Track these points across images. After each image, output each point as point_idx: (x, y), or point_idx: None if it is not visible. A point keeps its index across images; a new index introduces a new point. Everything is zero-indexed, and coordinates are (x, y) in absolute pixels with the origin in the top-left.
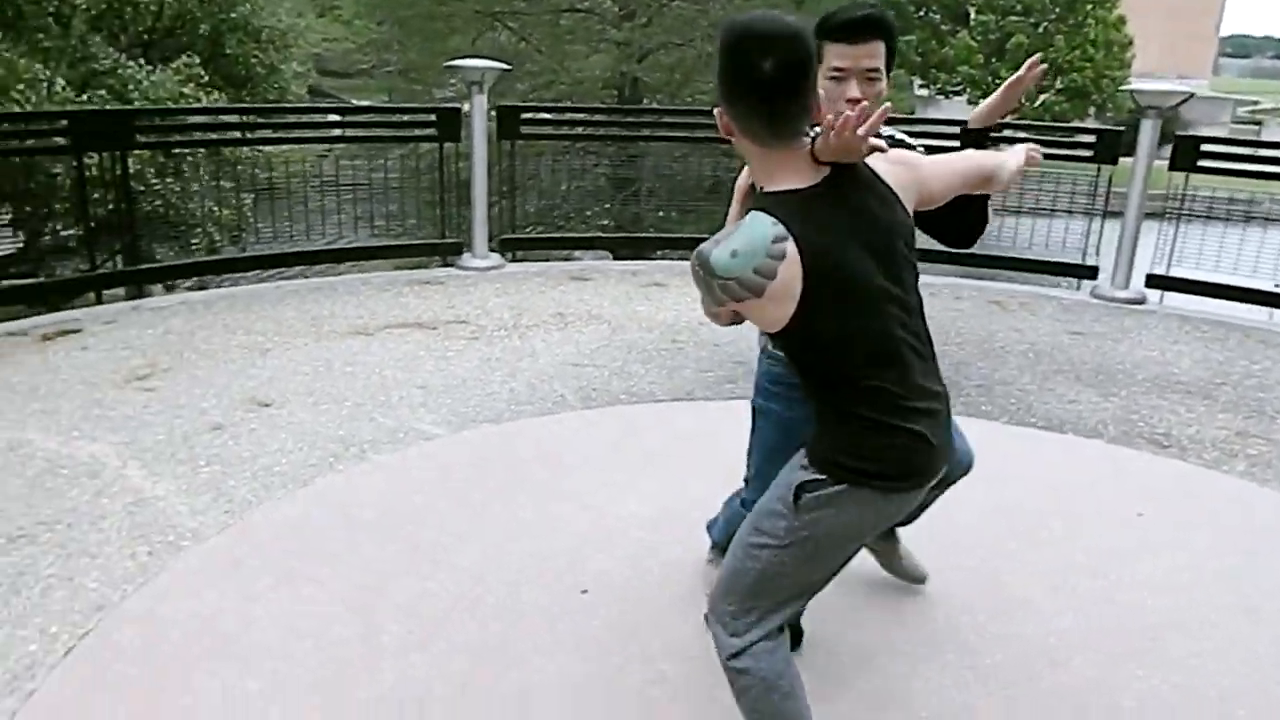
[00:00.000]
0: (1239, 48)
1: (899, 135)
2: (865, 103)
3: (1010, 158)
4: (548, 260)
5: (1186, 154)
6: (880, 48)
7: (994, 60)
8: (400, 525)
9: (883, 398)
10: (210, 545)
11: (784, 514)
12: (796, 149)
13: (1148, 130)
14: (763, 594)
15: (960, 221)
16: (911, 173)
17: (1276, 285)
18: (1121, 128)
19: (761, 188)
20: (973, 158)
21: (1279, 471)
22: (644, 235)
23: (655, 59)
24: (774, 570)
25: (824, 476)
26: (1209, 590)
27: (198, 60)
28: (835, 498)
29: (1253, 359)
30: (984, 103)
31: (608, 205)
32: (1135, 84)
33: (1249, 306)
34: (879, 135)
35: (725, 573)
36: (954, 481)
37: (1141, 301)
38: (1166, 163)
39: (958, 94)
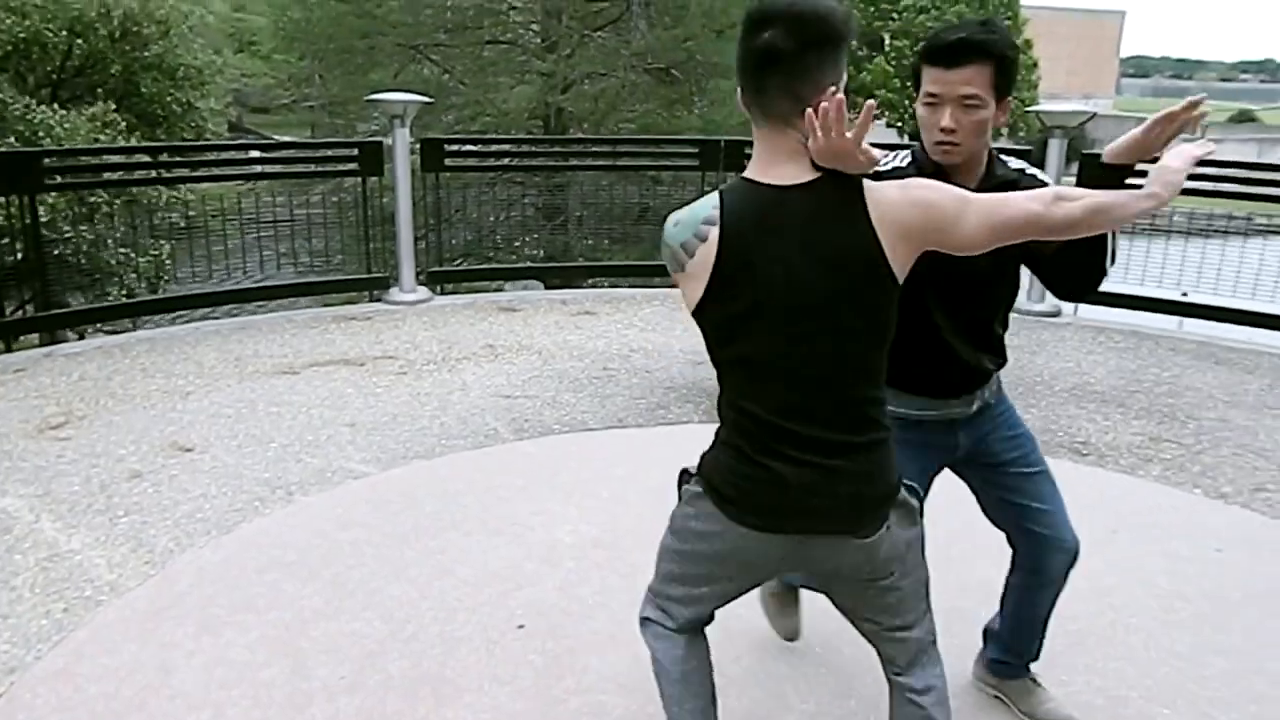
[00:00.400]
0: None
1: (1032, 171)
2: (871, 102)
3: (1130, 198)
4: (477, 292)
5: (1092, 171)
6: (980, 73)
7: (909, 85)
8: (328, 565)
9: (748, 425)
10: (129, 598)
11: (679, 497)
12: (792, 139)
13: (1055, 149)
14: (662, 577)
15: (1068, 271)
16: (925, 216)
17: (1183, 294)
18: (1030, 147)
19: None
20: (1021, 206)
21: (1192, 474)
22: (574, 264)
23: (579, 89)
24: (665, 554)
25: (698, 475)
26: (1129, 594)
27: (113, 105)
28: (698, 500)
29: (1163, 366)
30: (1125, 135)
31: (536, 235)
32: (1042, 105)
33: (1158, 315)
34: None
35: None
36: (1055, 575)
37: (1057, 314)
38: (1074, 179)
39: (877, 118)
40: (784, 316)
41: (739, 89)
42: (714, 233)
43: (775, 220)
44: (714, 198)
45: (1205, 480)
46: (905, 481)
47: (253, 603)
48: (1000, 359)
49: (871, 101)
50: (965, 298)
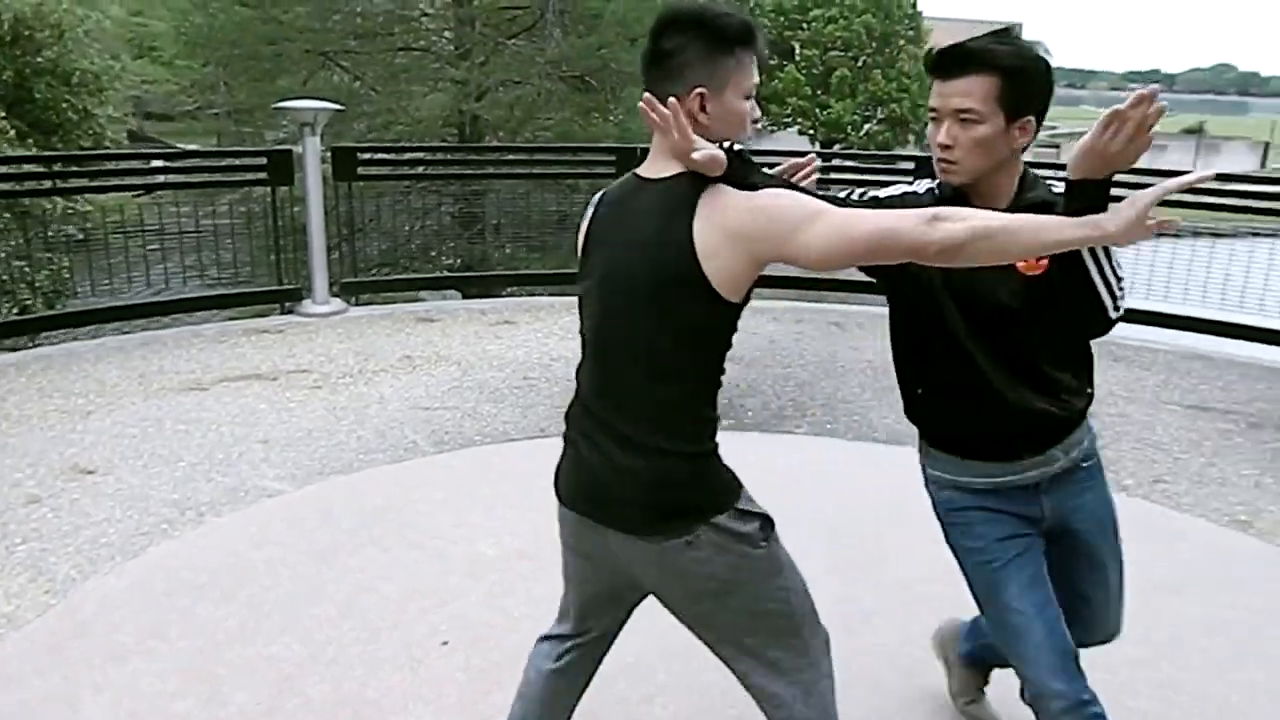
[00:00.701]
0: None
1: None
2: (676, 105)
3: (1057, 224)
4: (393, 303)
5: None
6: (979, 85)
7: (820, 92)
8: (242, 587)
9: (574, 402)
10: (28, 630)
11: None
12: (663, 138)
13: None
14: None
15: (1061, 310)
16: (757, 222)
17: None
18: (929, 154)
19: None
20: (880, 222)
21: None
22: (492, 273)
23: (494, 97)
24: None
25: None
26: None
27: (1, 113)
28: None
29: None
30: (1079, 142)
31: (453, 244)
32: None
33: None
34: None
35: None
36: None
37: None
38: None
39: (789, 125)
40: (601, 299)
41: None
42: (589, 214)
43: (627, 208)
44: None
45: (1108, 474)
46: (743, 507)
47: (163, 629)
48: (1066, 404)
49: (677, 105)
50: (999, 337)
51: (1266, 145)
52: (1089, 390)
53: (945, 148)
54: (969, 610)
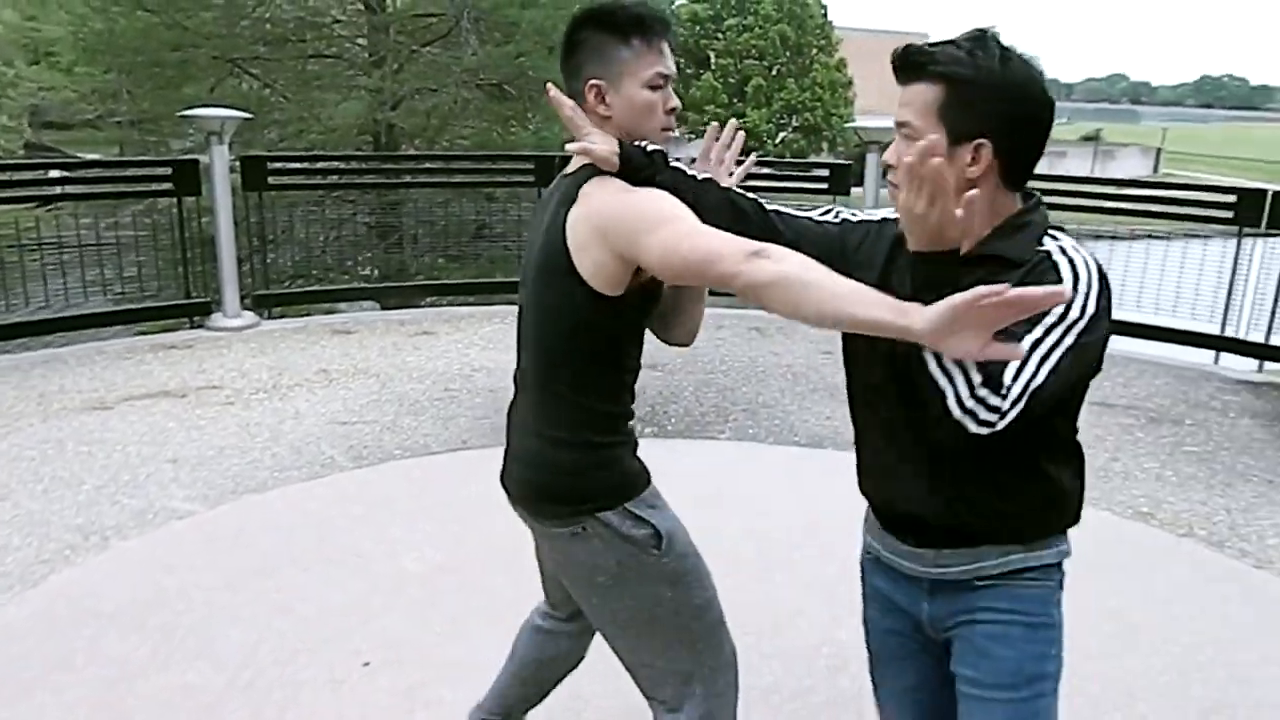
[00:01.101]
0: None
1: (1072, 256)
2: (570, 102)
3: (875, 300)
4: (308, 315)
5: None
6: (922, 95)
7: (736, 101)
8: (152, 614)
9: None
10: None
11: None
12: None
13: (873, 163)
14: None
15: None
16: (615, 218)
17: None
18: (850, 161)
19: None
20: (711, 244)
21: None
22: (410, 284)
23: (410, 105)
24: None
25: None
26: None
27: None
28: None
29: None
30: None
31: (370, 254)
32: (859, 121)
33: None
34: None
35: None
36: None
37: None
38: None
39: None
40: (521, 290)
41: None
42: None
43: (544, 203)
44: None
45: None
46: (634, 510)
47: (69, 660)
48: (983, 518)
49: (563, 97)
50: (885, 396)
51: (1159, 151)
52: (1020, 510)
53: (889, 167)
54: None
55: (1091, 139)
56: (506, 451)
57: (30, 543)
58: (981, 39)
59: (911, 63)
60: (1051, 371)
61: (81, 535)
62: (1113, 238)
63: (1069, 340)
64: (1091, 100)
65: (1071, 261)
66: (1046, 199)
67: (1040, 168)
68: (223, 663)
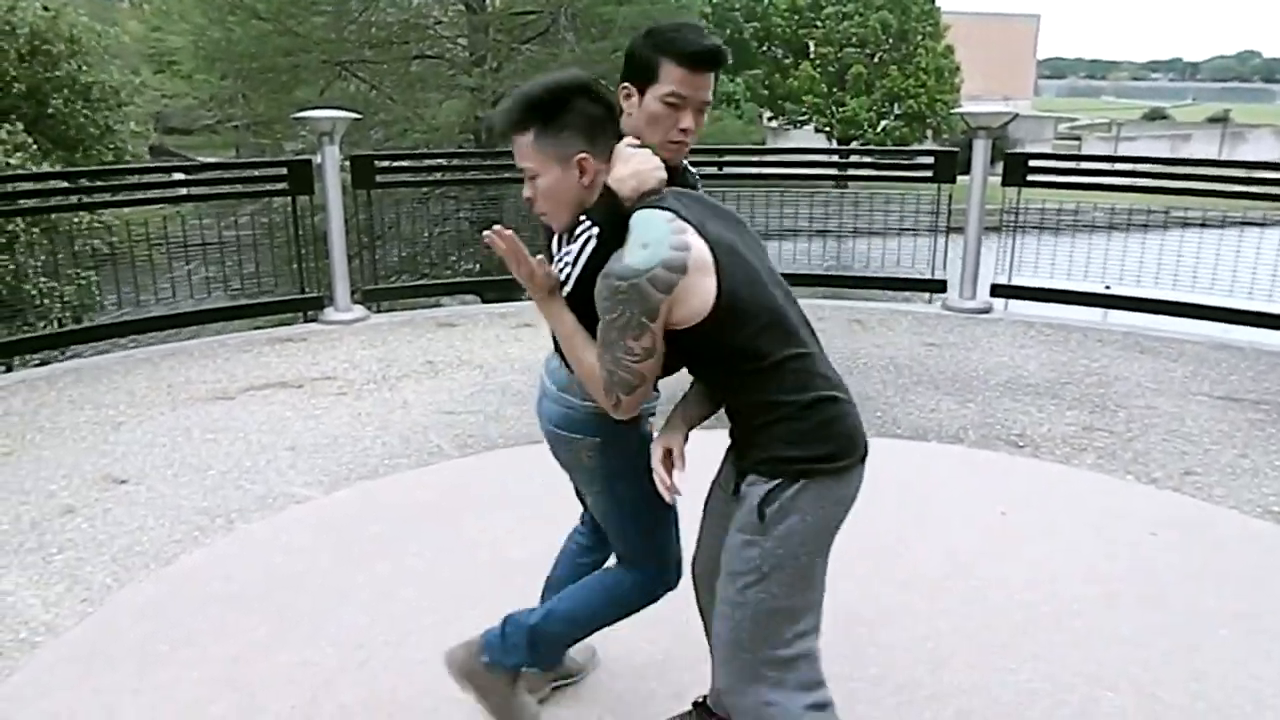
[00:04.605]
0: (1055, 69)
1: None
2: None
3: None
4: (413, 309)
5: (1016, 170)
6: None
7: (836, 90)
8: (274, 594)
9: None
10: (67, 638)
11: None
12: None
13: (980, 150)
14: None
15: None
16: None
17: (1107, 287)
18: (956, 149)
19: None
20: None
21: (1124, 461)
22: (510, 277)
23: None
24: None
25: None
26: (1070, 581)
27: (20, 126)
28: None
29: (1092, 357)
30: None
31: (472, 249)
32: (966, 107)
33: (1084, 308)
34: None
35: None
36: None
37: (988, 311)
38: (1000, 179)
39: (805, 123)
40: (769, 283)
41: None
42: (690, 230)
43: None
44: (656, 213)
45: (1137, 466)
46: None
47: (197, 637)
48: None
49: (510, 235)
50: None
51: None
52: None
53: (685, 131)
54: (989, 605)
55: (1219, 120)
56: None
57: (163, 524)
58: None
59: (720, 57)
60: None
61: (209, 518)
62: (1242, 223)
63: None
64: (1219, 79)
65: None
66: (1164, 184)
67: (1161, 151)
68: (338, 641)
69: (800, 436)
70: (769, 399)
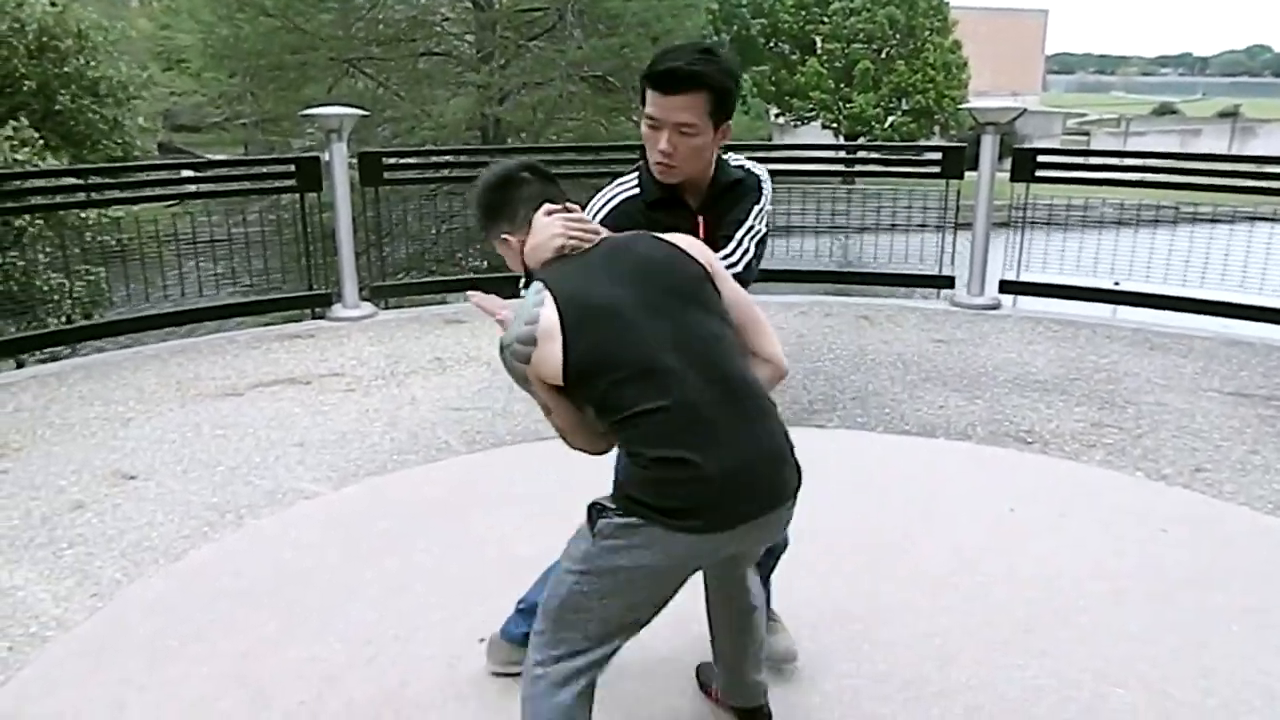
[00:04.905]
0: (1063, 64)
1: (750, 166)
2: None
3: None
4: (421, 305)
5: (1025, 166)
6: (695, 101)
7: (843, 86)
8: (283, 589)
9: None
10: (77, 633)
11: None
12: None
13: (988, 145)
14: (566, 624)
15: None
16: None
17: (1116, 283)
18: (964, 144)
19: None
20: None
21: (1134, 458)
22: (517, 274)
23: (517, 99)
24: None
25: None
26: (1077, 577)
27: (26, 123)
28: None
29: (1100, 353)
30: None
31: (479, 246)
32: (974, 102)
33: (1092, 304)
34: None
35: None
36: None
37: (996, 307)
38: (1008, 174)
39: (812, 119)
40: (644, 309)
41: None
42: (547, 300)
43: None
44: (534, 285)
45: (1147, 463)
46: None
47: (206, 632)
48: None
49: (477, 296)
50: None
51: None
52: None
53: (667, 154)
54: (996, 602)
55: (1229, 115)
56: (740, 467)
57: (173, 519)
58: (714, 51)
59: (686, 79)
60: None
61: (218, 513)
62: (1251, 218)
63: None
64: (1229, 74)
65: (752, 167)
66: (1174, 179)
67: (1171, 146)
68: (346, 637)
69: (644, 484)
70: (626, 445)
